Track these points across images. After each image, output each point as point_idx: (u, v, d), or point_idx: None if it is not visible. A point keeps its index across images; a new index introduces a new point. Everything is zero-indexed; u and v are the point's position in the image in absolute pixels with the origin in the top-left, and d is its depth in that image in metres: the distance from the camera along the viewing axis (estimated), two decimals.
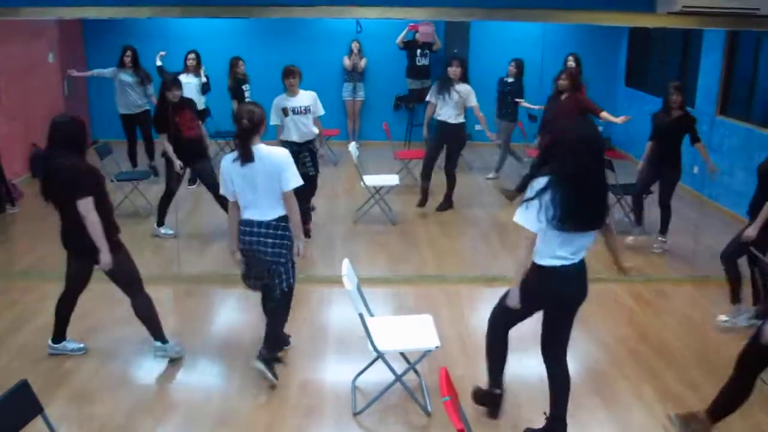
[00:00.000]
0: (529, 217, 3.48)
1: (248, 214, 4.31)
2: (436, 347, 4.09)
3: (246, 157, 4.15)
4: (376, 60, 10.86)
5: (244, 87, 9.16)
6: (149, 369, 4.66)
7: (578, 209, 3.43)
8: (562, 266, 3.56)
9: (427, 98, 7.88)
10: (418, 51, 10.41)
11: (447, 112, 7.68)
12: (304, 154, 6.79)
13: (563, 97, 7.30)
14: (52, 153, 4.38)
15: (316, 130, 6.96)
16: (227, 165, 4.27)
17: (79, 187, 4.32)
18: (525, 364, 4.70)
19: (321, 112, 7.00)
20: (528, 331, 4.88)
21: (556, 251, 3.53)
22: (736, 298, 5.31)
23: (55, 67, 9.83)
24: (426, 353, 4.15)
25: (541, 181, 3.46)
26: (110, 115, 9.41)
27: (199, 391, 4.41)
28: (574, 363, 4.78)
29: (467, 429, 2.90)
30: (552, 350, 3.83)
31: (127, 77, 8.72)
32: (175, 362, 4.73)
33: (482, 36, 10.57)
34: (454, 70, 7.59)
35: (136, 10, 5.61)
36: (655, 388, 4.51)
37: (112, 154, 7.94)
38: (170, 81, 6.89)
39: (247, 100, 8.76)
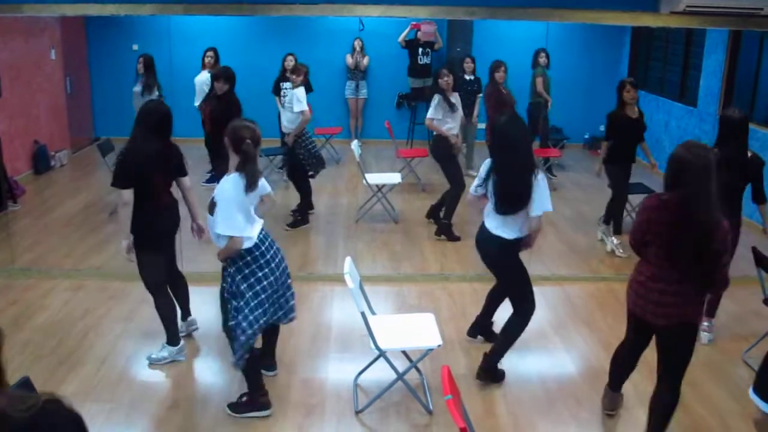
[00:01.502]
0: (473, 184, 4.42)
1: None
2: (438, 346, 4.09)
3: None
4: (378, 58, 10.85)
5: (282, 85, 8.88)
6: (151, 366, 4.66)
7: (503, 195, 4.16)
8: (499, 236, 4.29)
9: (432, 116, 7.04)
10: (420, 50, 10.40)
11: (452, 125, 7.13)
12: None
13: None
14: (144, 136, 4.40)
15: None
16: (242, 195, 3.80)
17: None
18: (526, 363, 4.71)
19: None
20: (529, 331, 4.89)
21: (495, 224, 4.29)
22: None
23: (57, 64, 9.83)
24: (428, 352, 4.15)
25: (486, 163, 4.33)
26: (113, 113, 9.41)
27: (200, 390, 4.41)
28: (575, 361, 4.80)
29: (469, 428, 2.90)
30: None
31: (136, 87, 8.25)
32: (176, 360, 4.73)
33: (485, 35, 10.56)
34: (446, 81, 7.01)
35: (137, 8, 5.60)
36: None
37: (115, 151, 7.94)
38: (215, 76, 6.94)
39: (283, 98, 8.60)
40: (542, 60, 9.18)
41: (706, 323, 5.12)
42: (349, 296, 4.11)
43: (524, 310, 4.41)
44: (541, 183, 4.12)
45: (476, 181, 4.37)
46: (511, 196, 4.14)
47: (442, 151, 7.12)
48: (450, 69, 7.23)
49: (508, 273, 4.44)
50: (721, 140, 4.92)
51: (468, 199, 4.53)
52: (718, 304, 5.18)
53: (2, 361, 1.83)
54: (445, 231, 7.12)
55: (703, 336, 5.10)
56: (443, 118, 7.04)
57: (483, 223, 4.38)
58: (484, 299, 5.02)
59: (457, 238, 7.06)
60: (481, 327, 5.03)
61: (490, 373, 4.48)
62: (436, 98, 7.05)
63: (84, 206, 7.87)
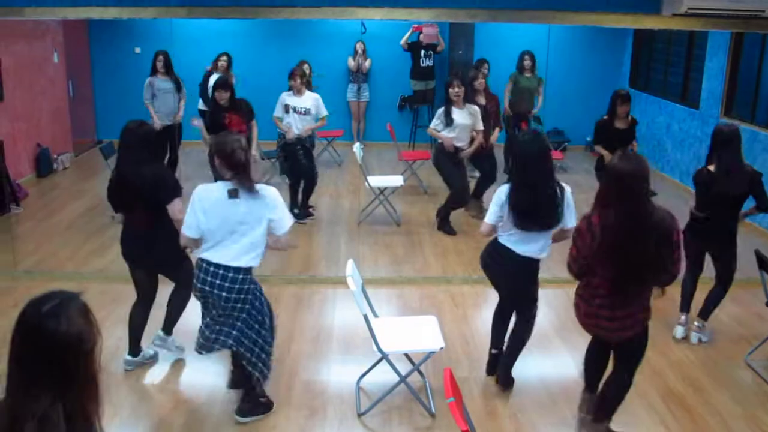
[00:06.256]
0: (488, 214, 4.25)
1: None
2: (441, 348, 4.09)
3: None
4: (380, 61, 10.86)
5: None
6: (152, 368, 4.67)
7: (527, 213, 4.02)
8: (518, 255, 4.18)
9: (432, 126, 7.23)
10: (422, 52, 10.40)
11: (459, 137, 7.12)
12: (298, 147, 7.39)
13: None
14: (127, 158, 4.33)
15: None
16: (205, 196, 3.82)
17: (170, 189, 4.32)
18: (528, 365, 4.70)
19: (323, 113, 7.41)
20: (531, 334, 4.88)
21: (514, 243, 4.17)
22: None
23: (60, 67, 9.85)
24: (430, 354, 4.15)
25: (503, 189, 4.14)
26: (115, 116, 9.39)
27: (203, 391, 4.42)
28: (577, 363, 4.79)
29: (471, 430, 2.90)
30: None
31: (163, 84, 8.21)
32: (177, 361, 4.73)
33: (487, 37, 10.57)
34: (456, 92, 6.98)
35: (140, 11, 5.61)
36: (657, 386, 4.52)
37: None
38: (219, 83, 6.90)
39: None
40: (525, 63, 9.11)
41: (697, 323, 5.19)
42: (351, 299, 4.11)
43: (533, 315, 4.41)
44: (568, 196, 4.10)
45: (495, 209, 4.15)
46: (535, 213, 4.04)
47: (440, 157, 7.26)
48: (462, 80, 7.14)
49: (530, 289, 4.36)
50: (715, 152, 4.92)
51: (484, 230, 4.27)
52: (714, 307, 5.18)
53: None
54: (442, 225, 7.42)
55: (693, 336, 5.18)
56: (442, 131, 7.14)
57: (501, 245, 4.22)
58: (493, 332, 4.65)
59: (454, 232, 7.35)
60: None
61: (510, 381, 4.49)
62: (439, 110, 7.18)
63: (86, 209, 7.88)
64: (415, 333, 4.28)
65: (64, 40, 9.91)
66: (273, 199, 3.82)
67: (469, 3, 5.48)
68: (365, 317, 3.95)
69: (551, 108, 9.38)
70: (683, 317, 5.23)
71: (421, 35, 10.28)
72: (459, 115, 7.06)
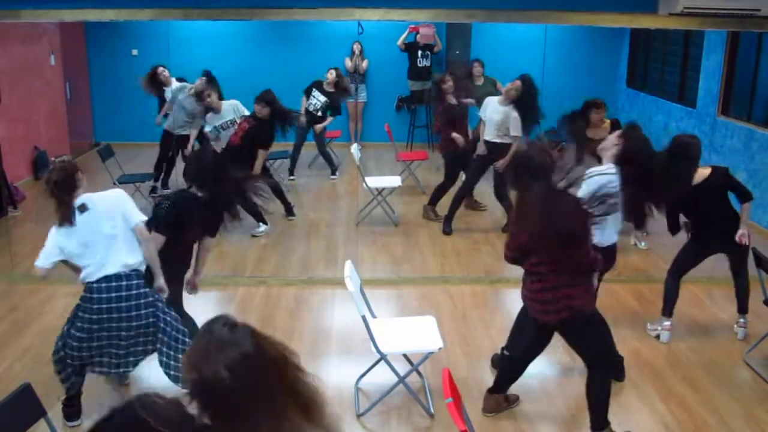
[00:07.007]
0: None
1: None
2: (439, 349, 4.09)
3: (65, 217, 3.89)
4: (377, 61, 10.85)
5: (313, 90, 9.19)
6: (153, 373, 4.65)
7: None
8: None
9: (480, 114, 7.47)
10: (419, 52, 10.40)
11: (487, 131, 7.31)
12: None
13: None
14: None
15: None
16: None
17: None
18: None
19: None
20: None
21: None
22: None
23: (57, 69, 9.84)
24: (429, 355, 4.15)
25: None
26: (113, 118, 9.37)
27: None
28: (576, 362, 4.78)
29: (470, 430, 2.90)
30: None
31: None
32: None
33: (484, 37, 10.57)
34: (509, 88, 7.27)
35: (137, 13, 5.62)
36: (657, 387, 4.52)
37: (114, 157, 7.97)
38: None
39: (311, 107, 9.15)
40: (475, 71, 9.16)
41: (742, 319, 5.16)
42: (349, 300, 4.11)
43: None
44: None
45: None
46: None
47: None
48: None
49: None
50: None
51: None
52: (747, 298, 5.16)
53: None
54: (445, 223, 7.46)
55: (739, 332, 5.17)
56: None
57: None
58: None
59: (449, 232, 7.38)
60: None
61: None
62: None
63: None
64: (414, 333, 4.28)
65: (61, 42, 9.89)
66: (119, 197, 3.98)
67: (467, 3, 5.48)
68: (363, 318, 3.95)
69: (548, 107, 9.34)
70: (667, 323, 5.11)
71: (418, 35, 10.29)
72: (493, 110, 7.18)
